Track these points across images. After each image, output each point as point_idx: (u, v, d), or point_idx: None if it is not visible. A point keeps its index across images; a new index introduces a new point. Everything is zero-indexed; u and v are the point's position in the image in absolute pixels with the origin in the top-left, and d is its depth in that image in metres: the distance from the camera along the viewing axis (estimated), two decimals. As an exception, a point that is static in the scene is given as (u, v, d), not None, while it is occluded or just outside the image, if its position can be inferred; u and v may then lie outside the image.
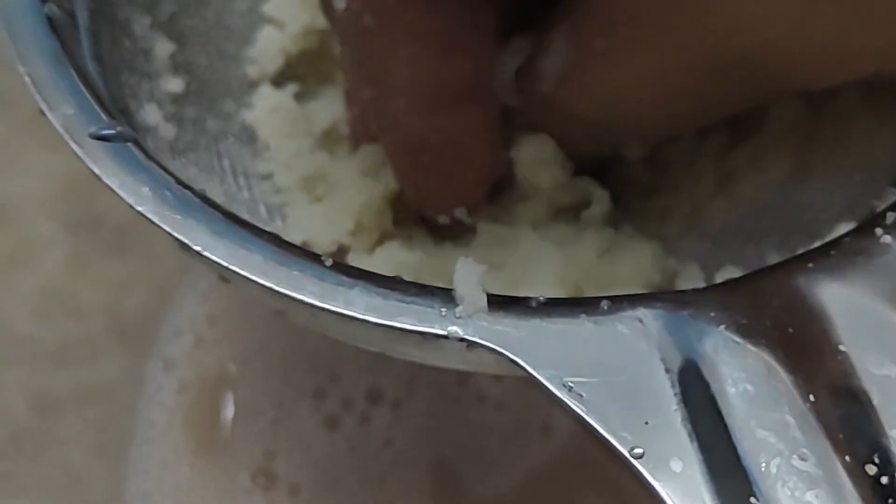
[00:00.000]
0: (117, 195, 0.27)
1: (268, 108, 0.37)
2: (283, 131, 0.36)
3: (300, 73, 0.38)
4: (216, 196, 0.33)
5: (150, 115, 0.34)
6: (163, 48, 0.36)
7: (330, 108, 0.37)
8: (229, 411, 0.42)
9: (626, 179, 0.34)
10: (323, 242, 0.34)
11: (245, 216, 0.32)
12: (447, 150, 0.31)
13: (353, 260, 0.34)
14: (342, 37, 0.32)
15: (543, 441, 0.41)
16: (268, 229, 0.28)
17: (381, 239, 0.34)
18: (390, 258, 0.33)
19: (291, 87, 0.37)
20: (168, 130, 0.34)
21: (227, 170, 0.36)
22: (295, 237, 0.34)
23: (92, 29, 0.33)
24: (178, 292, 0.44)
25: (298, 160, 0.36)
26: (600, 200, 0.33)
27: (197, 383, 0.42)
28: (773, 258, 0.31)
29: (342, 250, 0.34)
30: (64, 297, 0.44)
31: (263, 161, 0.36)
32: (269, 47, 0.37)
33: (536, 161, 0.33)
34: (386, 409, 0.41)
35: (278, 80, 0.37)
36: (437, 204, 0.33)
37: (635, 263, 0.32)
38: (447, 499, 0.40)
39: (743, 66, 0.27)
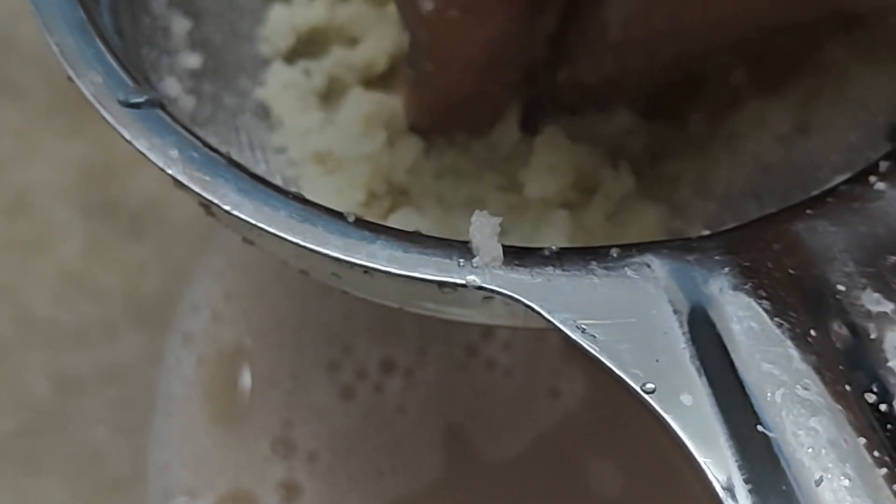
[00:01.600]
0: (147, 158, 0.28)
1: (280, 84, 0.37)
2: (295, 106, 0.37)
3: (311, 49, 0.38)
4: None
5: (171, 87, 0.35)
6: (180, 25, 0.36)
7: (336, 73, 0.38)
8: (247, 383, 0.43)
9: (632, 147, 0.35)
10: None
11: None
12: (486, 103, 0.34)
13: None
14: (411, 26, 0.33)
15: (551, 405, 0.42)
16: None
17: (394, 207, 0.35)
18: (404, 223, 0.34)
19: (303, 64, 0.38)
20: (188, 102, 0.35)
21: (244, 143, 0.36)
22: None
23: (112, 5, 0.33)
24: (194, 271, 0.45)
25: (310, 135, 0.37)
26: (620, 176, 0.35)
27: (215, 357, 0.43)
28: None
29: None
30: (82, 281, 0.45)
31: (278, 135, 0.37)
32: (279, 26, 0.38)
33: (548, 167, 0.34)
34: (398, 379, 0.42)
35: (290, 58, 0.38)
36: (447, 133, 0.35)
37: (642, 225, 0.33)
38: (459, 462, 0.41)
39: None
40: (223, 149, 0.34)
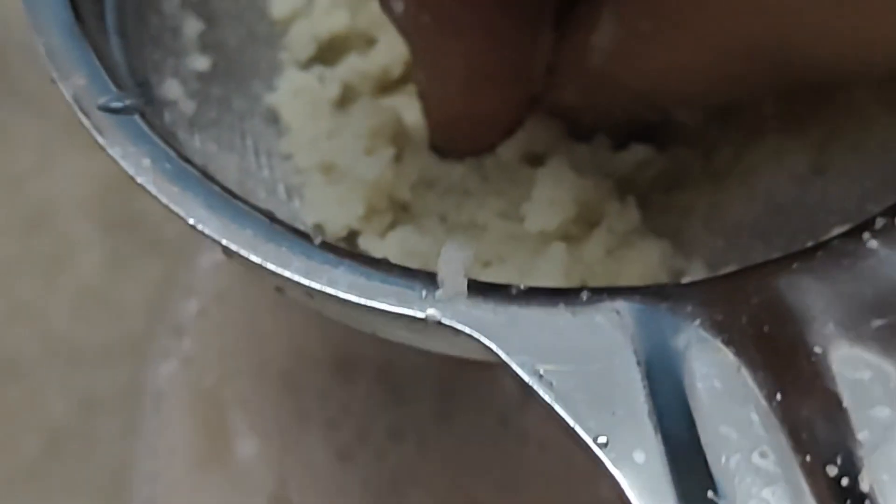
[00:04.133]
0: (119, 166, 0.31)
1: (291, 90, 0.40)
2: (305, 113, 0.39)
3: (328, 56, 0.40)
4: (232, 173, 0.36)
5: (171, 89, 0.37)
6: (192, 27, 0.39)
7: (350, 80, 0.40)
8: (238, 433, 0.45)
9: (644, 178, 0.37)
10: (336, 225, 0.37)
11: (262, 195, 0.36)
12: (484, 122, 0.37)
13: (364, 243, 0.37)
14: (400, 32, 0.36)
15: (589, 490, 0.42)
16: (281, 208, 0.32)
17: (394, 224, 0.37)
18: (402, 243, 0.36)
19: (317, 70, 0.40)
20: (188, 106, 0.37)
21: (249, 149, 0.38)
22: (309, 219, 0.37)
23: (118, 4, 0.36)
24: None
25: (317, 143, 0.39)
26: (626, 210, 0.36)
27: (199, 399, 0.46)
28: None
29: (353, 234, 0.37)
30: (103, 297, 0.48)
31: (285, 142, 0.39)
32: (301, 35, 0.40)
33: (549, 201, 0.35)
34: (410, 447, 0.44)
35: (306, 64, 0.40)
36: (459, 154, 0.38)
37: (643, 262, 0.34)
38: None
39: (770, 50, 0.30)
40: (224, 153, 0.36)
